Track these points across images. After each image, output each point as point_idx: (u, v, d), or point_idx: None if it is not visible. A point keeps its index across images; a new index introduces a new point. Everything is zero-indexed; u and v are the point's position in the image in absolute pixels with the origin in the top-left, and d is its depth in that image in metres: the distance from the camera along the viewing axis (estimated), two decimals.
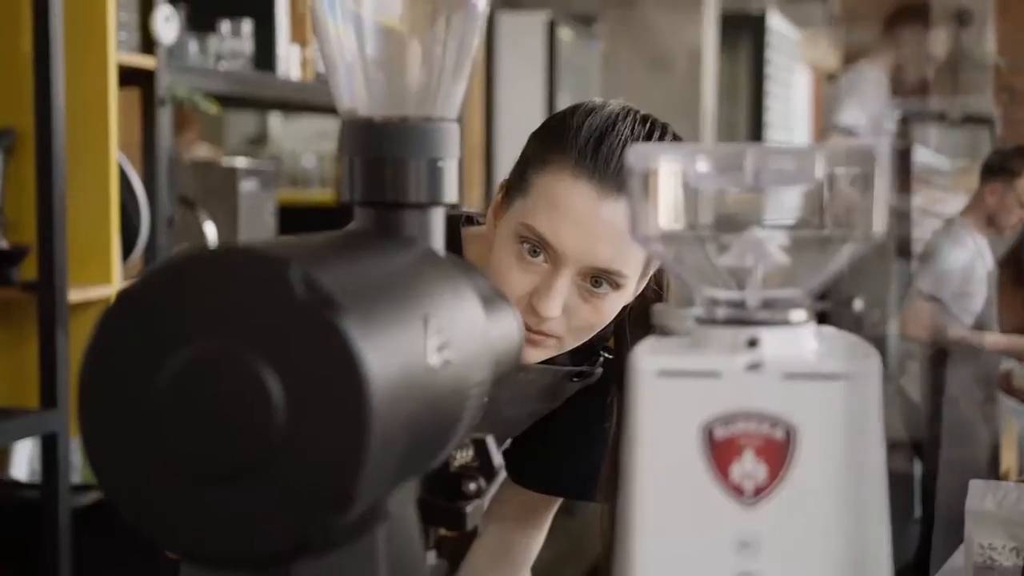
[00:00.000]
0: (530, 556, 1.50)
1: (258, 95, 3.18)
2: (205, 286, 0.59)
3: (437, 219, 0.76)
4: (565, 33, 4.90)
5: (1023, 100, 9.76)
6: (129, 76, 2.58)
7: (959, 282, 4.29)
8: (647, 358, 0.65)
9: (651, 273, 1.31)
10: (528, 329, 1.22)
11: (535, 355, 1.26)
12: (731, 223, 0.68)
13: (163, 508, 0.59)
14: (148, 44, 2.61)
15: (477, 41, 0.78)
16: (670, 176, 0.67)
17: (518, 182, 1.26)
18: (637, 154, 0.67)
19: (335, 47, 0.76)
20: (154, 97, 2.60)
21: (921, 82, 4.56)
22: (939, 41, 4.46)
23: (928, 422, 4.22)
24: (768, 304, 0.67)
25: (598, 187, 1.20)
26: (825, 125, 4.34)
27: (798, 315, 0.67)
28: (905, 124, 4.50)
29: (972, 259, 4.32)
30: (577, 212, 1.20)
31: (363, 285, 0.62)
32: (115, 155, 2.44)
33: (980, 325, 4.30)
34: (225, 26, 3.00)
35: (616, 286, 1.23)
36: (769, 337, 0.65)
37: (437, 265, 0.72)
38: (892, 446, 5.28)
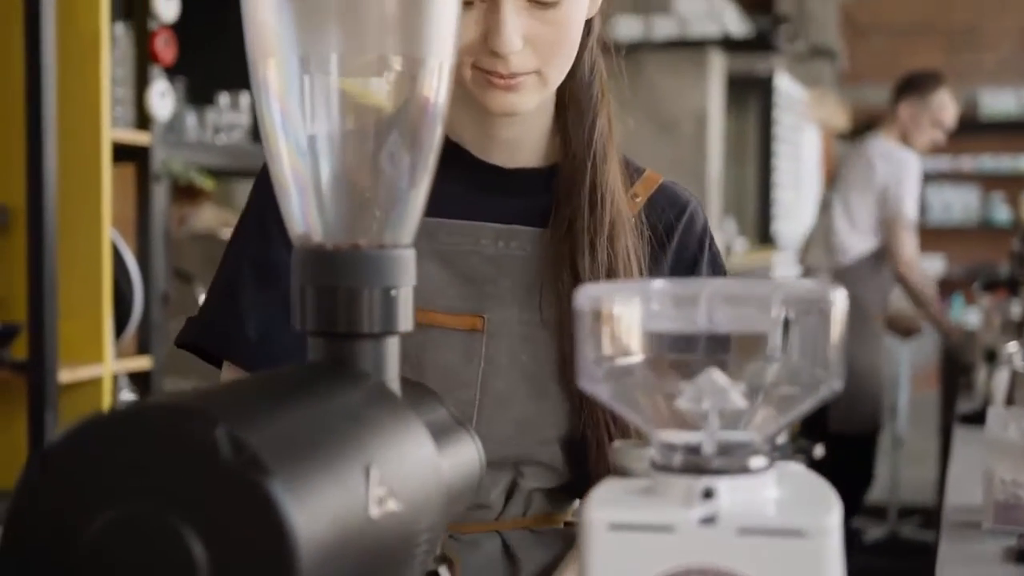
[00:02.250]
0: None
1: (257, 168, 3.16)
2: (130, 445, 0.57)
3: (392, 349, 0.73)
4: None
5: (867, 34, 9.74)
6: (124, 152, 2.58)
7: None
8: (599, 510, 0.63)
9: None
10: (500, 76, 1.15)
11: (521, 101, 1.17)
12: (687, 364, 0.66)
13: None
14: (144, 119, 2.61)
15: (433, 161, 0.76)
16: (621, 317, 0.65)
17: None
18: (586, 295, 0.65)
19: (287, 169, 0.74)
20: (149, 173, 2.59)
21: (931, 147, 4.54)
22: (945, 106, 4.43)
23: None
24: (725, 450, 0.64)
25: None
26: (885, 215, 4.30)
27: (757, 462, 0.64)
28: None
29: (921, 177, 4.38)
30: None
31: (298, 439, 0.59)
32: (108, 233, 2.42)
33: None
34: (224, 99, 2.99)
35: None
36: (726, 487, 0.63)
37: (386, 403, 0.70)
38: (906, 511, 5.22)
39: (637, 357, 0.65)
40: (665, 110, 5.47)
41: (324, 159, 0.73)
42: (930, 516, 5.03)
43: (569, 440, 1.22)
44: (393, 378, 0.73)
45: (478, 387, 1.19)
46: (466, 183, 1.24)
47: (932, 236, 9.72)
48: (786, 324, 0.64)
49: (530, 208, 1.24)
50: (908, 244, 4.26)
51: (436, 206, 1.21)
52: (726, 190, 6.42)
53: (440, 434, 0.74)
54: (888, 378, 4.58)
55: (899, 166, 4.33)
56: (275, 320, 1.18)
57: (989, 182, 9.71)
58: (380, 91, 0.74)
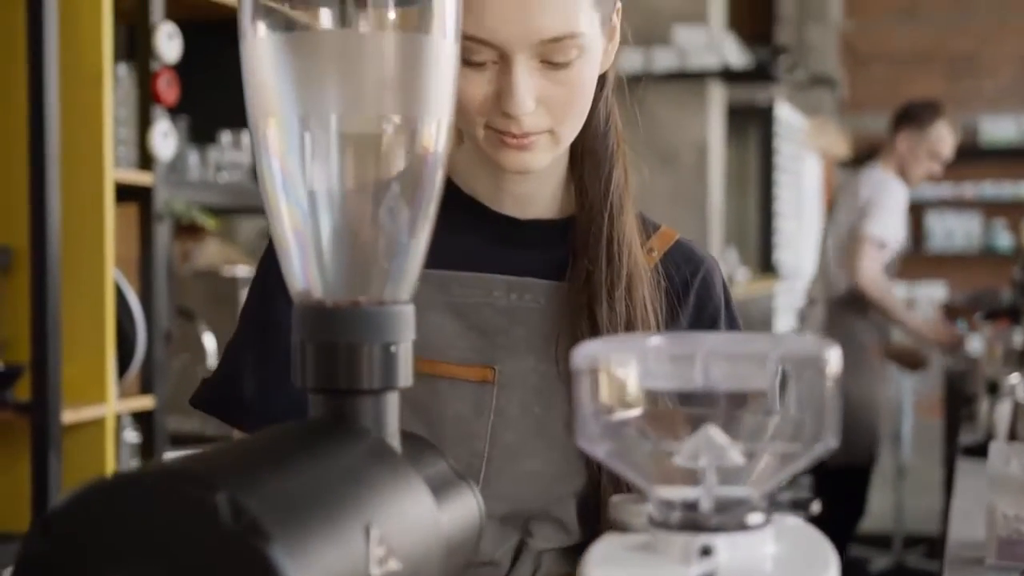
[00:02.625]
0: None
1: (257, 206, 3.18)
2: (132, 510, 0.57)
3: (392, 404, 0.74)
4: None
5: (867, 62, 9.77)
6: (127, 191, 2.59)
7: (899, 228, 4.25)
8: (597, 568, 0.63)
9: (616, 25, 1.21)
10: (513, 136, 1.14)
11: (534, 159, 1.16)
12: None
13: None
14: (146, 159, 2.62)
15: (432, 216, 0.77)
16: (618, 375, 0.65)
17: None
18: (583, 354, 0.65)
19: (287, 227, 0.74)
20: (152, 213, 2.60)
21: (928, 178, 4.52)
22: (943, 139, 4.41)
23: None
24: (723, 506, 0.65)
25: None
26: (854, 233, 4.27)
27: (755, 518, 0.64)
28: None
29: (904, 210, 4.29)
30: None
31: (298, 501, 0.60)
32: (111, 273, 2.43)
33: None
34: (226, 137, 3.01)
35: (579, 50, 1.13)
36: (724, 544, 0.63)
37: (386, 461, 0.70)
38: (912, 540, 5.22)
39: (634, 414, 0.66)
40: (666, 141, 5.50)
41: (324, 217, 0.73)
42: (935, 545, 5.02)
43: (582, 497, 1.21)
44: (393, 433, 0.74)
45: (487, 439, 1.18)
46: (480, 235, 1.24)
47: (934, 263, 9.76)
48: (782, 381, 0.64)
49: (544, 260, 1.24)
50: (867, 258, 4.18)
51: (450, 259, 1.22)
52: (727, 220, 6.44)
53: (439, 488, 0.74)
54: (889, 408, 4.55)
55: (879, 188, 4.30)
56: (273, 381, 1.18)
57: (991, 209, 9.74)
58: (379, 148, 0.75)
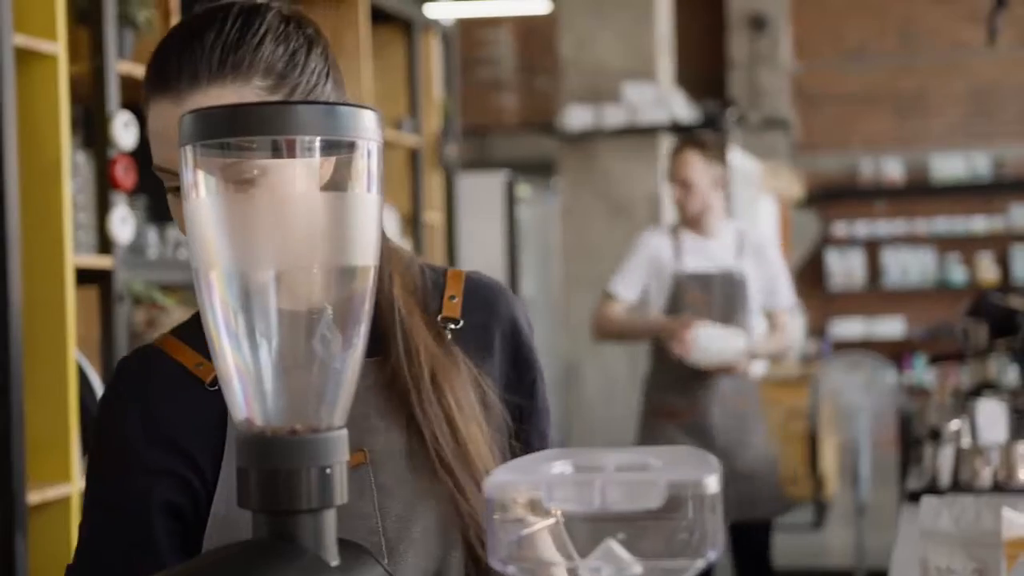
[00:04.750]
0: None
1: None
2: None
3: (329, 521, 0.82)
4: (523, 189, 5.04)
5: (819, 104, 9.92)
6: (88, 274, 2.66)
7: (643, 280, 4.12)
8: None
9: None
10: None
11: None
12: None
13: None
14: (106, 243, 2.69)
15: (361, 351, 0.85)
16: (526, 502, 0.73)
17: None
18: (493, 483, 0.73)
19: (230, 363, 0.82)
20: (112, 295, 2.67)
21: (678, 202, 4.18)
22: (671, 165, 4.18)
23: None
24: None
25: (174, 95, 1.17)
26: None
27: None
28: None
29: (652, 259, 4.14)
30: (168, 130, 1.16)
31: None
32: (73, 355, 2.50)
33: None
34: None
35: (260, 169, 1.15)
36: None
37: None
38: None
39: (540, 533, 0.74)
40: (618, 194, 5.60)
41: (263, 354, 0.82)
42: None
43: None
44: (330, 547, 0.82)
45: (378, 515, 1.25)
46: None
47: (890, 299, 9.92)
48: (671, 501, 0.73)
49: None
50: (599, 311, 4.18)
51: None
52: None
53: None
54: (846, 447, 4.52)
55: (639, 243, 4.23)
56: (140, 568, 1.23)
57: (944, 244, 9.91)
58: (312, 292, 0.83)
